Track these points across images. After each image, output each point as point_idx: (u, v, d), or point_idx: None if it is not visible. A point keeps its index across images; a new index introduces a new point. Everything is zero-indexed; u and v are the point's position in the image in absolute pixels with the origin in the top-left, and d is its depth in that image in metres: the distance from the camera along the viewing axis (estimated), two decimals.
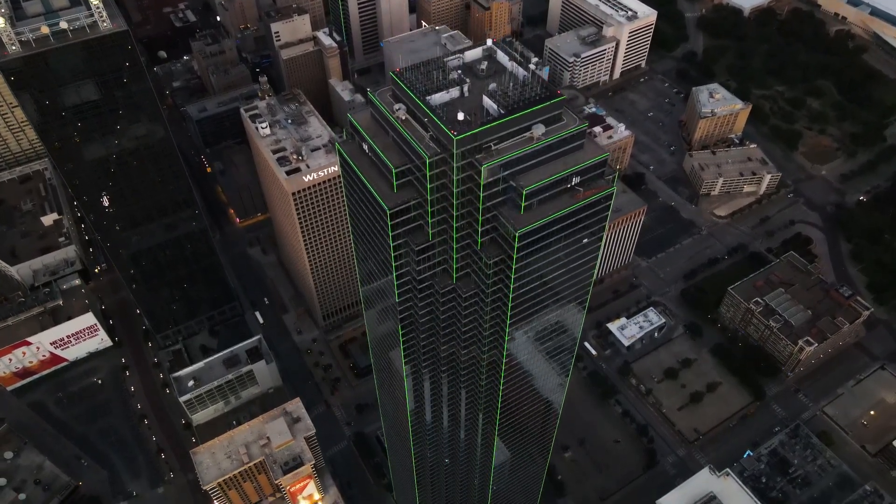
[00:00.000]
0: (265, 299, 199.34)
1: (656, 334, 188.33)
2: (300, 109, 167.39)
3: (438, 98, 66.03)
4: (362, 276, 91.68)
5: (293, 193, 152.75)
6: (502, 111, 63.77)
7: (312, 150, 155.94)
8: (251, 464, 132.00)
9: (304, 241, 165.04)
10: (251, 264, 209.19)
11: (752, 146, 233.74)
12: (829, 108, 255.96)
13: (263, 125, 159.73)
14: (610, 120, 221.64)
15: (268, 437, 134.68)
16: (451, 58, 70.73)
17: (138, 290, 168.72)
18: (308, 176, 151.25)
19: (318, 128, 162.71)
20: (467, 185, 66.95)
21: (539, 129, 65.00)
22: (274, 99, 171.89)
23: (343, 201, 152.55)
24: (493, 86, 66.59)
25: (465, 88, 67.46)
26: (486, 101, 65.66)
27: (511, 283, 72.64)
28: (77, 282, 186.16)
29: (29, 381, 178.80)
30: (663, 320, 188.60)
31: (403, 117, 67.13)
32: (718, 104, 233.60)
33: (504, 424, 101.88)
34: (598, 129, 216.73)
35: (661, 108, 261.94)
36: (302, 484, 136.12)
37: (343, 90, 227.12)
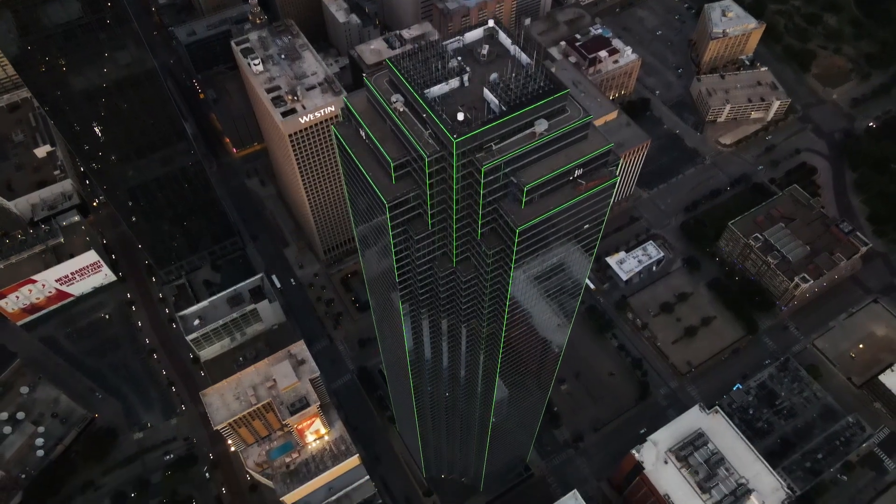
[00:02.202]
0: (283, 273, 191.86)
1: (654, 268, 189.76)
2: (293, 43, 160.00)
3: (437, 90, 63.38)
4: (356, 217, 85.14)
5: (290, 135, 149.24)
6: (504, 107, 61.31)
7: (308, 90, 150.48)
8: (259, 405, 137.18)
9: (303, 179, 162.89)
10: (250, 196, 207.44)
11: (762, 69, 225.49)
12: (846, 24, 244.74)
13: (256, 62, 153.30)
14: (616, 42, 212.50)
15: (274, 380, 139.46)
16: (451, 41, 67.24)
17: (137, 227, 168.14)
18: (304, 117, 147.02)
19: (312, 64, 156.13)
20: (467, 181, 65.56)
21: (542, 125, 62.69)
22: (266, 30, 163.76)
23: None
24: (494, 76, 63.58)
25: (466, 78, 64.57)
26: (488, 94, 62.91)
27: (511, 272, 72.72)
28: (76, 218, 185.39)
29: (38, 317, 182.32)
30: (662, 254, 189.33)
31: (401, 109, 64.62)
32: (731, 23, 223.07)
33: (506, 365, 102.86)
34: (603, 53, 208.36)
35: (670, 26, 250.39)
36: (308, 422, 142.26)
37: (338, 10, 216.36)
